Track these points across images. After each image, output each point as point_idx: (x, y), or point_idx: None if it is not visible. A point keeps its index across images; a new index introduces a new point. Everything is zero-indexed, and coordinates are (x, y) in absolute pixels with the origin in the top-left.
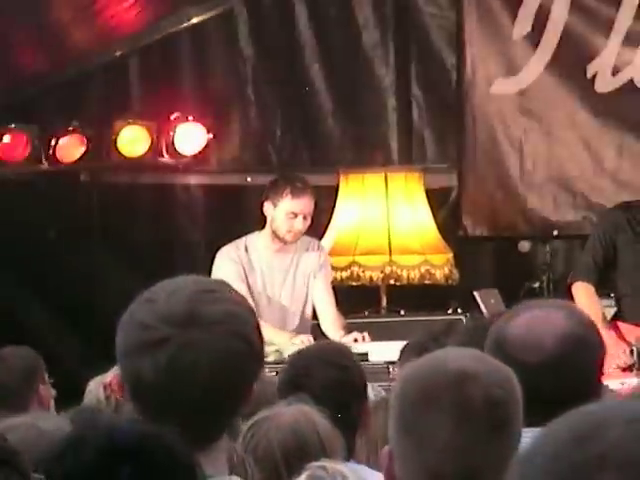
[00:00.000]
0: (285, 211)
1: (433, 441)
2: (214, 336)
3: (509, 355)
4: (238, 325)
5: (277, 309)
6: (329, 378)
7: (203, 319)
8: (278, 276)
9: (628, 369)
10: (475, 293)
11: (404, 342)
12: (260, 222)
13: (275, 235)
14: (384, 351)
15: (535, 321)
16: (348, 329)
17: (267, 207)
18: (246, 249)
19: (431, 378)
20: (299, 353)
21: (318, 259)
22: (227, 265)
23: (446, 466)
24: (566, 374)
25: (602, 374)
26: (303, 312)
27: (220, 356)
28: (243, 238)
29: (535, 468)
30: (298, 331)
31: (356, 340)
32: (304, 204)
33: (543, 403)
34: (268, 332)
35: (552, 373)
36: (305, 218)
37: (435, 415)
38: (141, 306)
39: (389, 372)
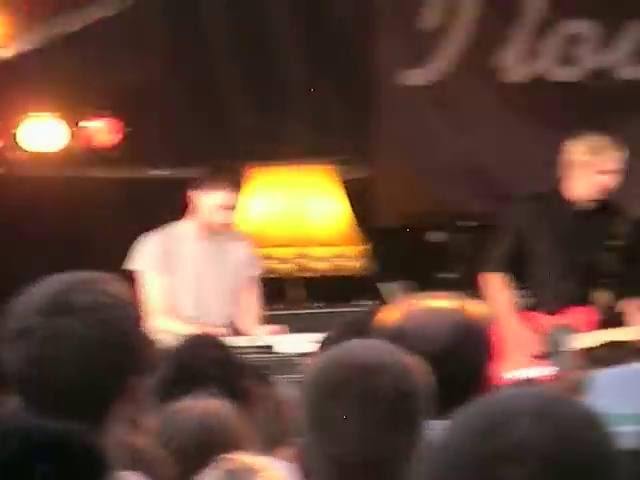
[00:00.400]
0: (218, 203)
1: (340, 433)
2: (79, 324)
3: (405, 347)
4: (107, 314)
5: (205, 297)
6: (216, 357)
7: (69, 307)
8: (206, 265)
9: (542, 358)
10: (381, 285)
11: (316, 334)
12: (169, 214)
13: (204, 225)
14: (294, 343)
15: (428, 313)
16: (263, 322)
17: (199, 196)
18: (173, 237)
19: (338, 370)
20: (178, 348)
21: (247, 251)
22: (146, 253)
23: (353, 457)
24: (459, 364)
25: (491, 364)
26: (231, 300)
27: (85, 344)
28: (170, 225)
29: (440, 461)
30: (225, 320)
31: (270, 333)
32: (236, 197)
33: (438, 393)
34: (178, 326)
35: (446, 363)
36: (235, 210)
37: (342, 407)
38: (21, 298)
39: (298, 364)
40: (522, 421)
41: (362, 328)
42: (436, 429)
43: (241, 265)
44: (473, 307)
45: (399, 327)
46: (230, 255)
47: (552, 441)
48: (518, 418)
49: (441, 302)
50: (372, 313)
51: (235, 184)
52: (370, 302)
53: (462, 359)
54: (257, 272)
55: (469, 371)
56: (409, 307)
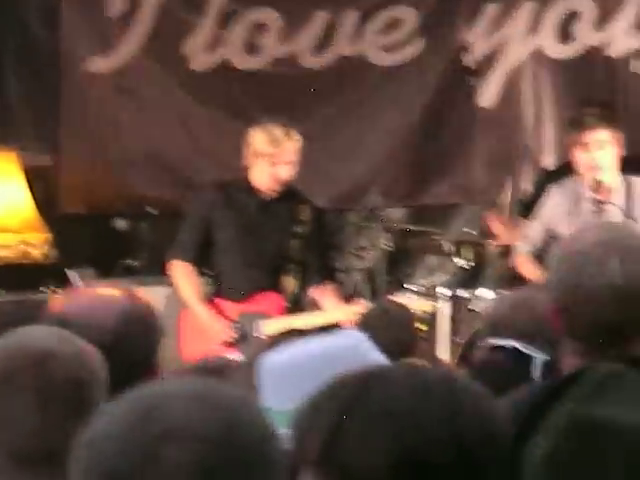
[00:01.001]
0: None
1: (15, 423)
2: None
3: (74, 334)
4: None
5: None
6: None
7: None
8: None
9: (230, 345)
10: (69, 272)
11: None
12: None
13: None
14: None
15: (97, 300)
16: None
17: None
18: None
19: (12, 358)
20: None
21: None
22: None
23: (29, 448)
24: (127, 352)
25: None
26: None
27: None
28: None
29: (103, 450)
30: None
31: None
32: None
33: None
34: None
35: (115, 351)
36: None
37: (17, 396)
38: None
39: None
40: (179, 403)
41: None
42: None
43: None
44: (143, 295)
45: (68, 315)
46: None
47: (209, 421)
48: (175, 401)
49: (111, 290)
50: (24, 302)
51: None
52: (53, 289)
53: (131, 347)
54: None
55: (137, 359)
56: (79, 295)
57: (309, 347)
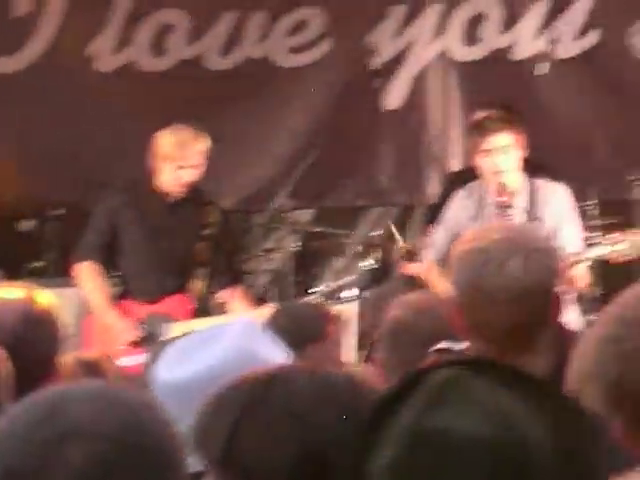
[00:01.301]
0: None
1: None
2: None
3: None
4: None
5: None
6: None
7: None
8: None
9: (138, 345)
10: None
11: None
12: None
13: None
14: None
15: None
16: None
17: None
18: None
19: None
20: None
21: None
22: None
23: None
24: (28, 354)
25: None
26: None
27: None
28: None
29: (3, 449)
30: None
31: None
32: None
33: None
34: None
35: (15, 353)
36: None
37: None
38: None
39: None
40: (80, 404)
41: None
42: None
43: None
44: (44, 297)
45: None
46: None
47: (110, 421)
48: (76, 401)
49: (11, 291)
50: None
51: None
52: None
53: (30, 348)
54: None
55: (37, 360)
56: None
57: (203, 357)
